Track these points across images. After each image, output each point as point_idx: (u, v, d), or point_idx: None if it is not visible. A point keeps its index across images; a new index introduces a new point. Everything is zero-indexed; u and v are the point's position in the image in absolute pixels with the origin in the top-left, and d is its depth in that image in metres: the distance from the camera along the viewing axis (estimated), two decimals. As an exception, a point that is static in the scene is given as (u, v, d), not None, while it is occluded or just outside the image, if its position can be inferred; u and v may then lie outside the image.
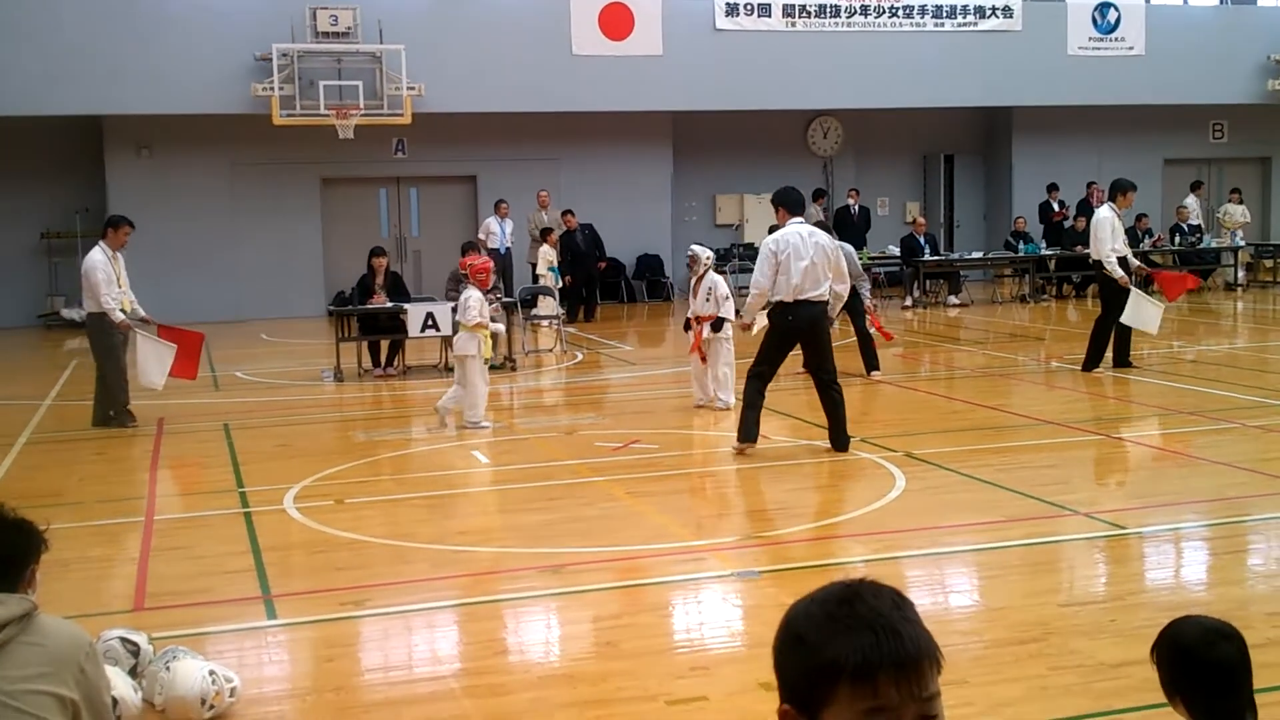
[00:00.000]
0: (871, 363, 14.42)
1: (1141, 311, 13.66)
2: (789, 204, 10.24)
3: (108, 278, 12.18)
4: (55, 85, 21.10)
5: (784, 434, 11.18)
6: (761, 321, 10.50)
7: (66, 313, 23.07)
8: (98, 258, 12.27)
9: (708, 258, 12.65)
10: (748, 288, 10.76)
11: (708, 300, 12.35)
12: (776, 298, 9.91)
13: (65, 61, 21.09)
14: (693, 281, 12.86)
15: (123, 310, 12.34)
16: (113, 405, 12.49)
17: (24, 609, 3.61)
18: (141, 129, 22.70)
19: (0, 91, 20.83)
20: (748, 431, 9.99)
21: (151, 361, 12.41)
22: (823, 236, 10.07)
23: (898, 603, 1.81)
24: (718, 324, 12.25)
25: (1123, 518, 8.00)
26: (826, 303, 10.11)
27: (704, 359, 12.39)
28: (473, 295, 11.90)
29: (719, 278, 12.65)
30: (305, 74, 21.98)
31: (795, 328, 9.97)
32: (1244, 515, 8.07)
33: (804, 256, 9.79)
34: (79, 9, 21.57)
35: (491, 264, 12.70)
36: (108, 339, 12.35)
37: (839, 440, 10.09)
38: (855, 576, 1.86)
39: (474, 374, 11.83)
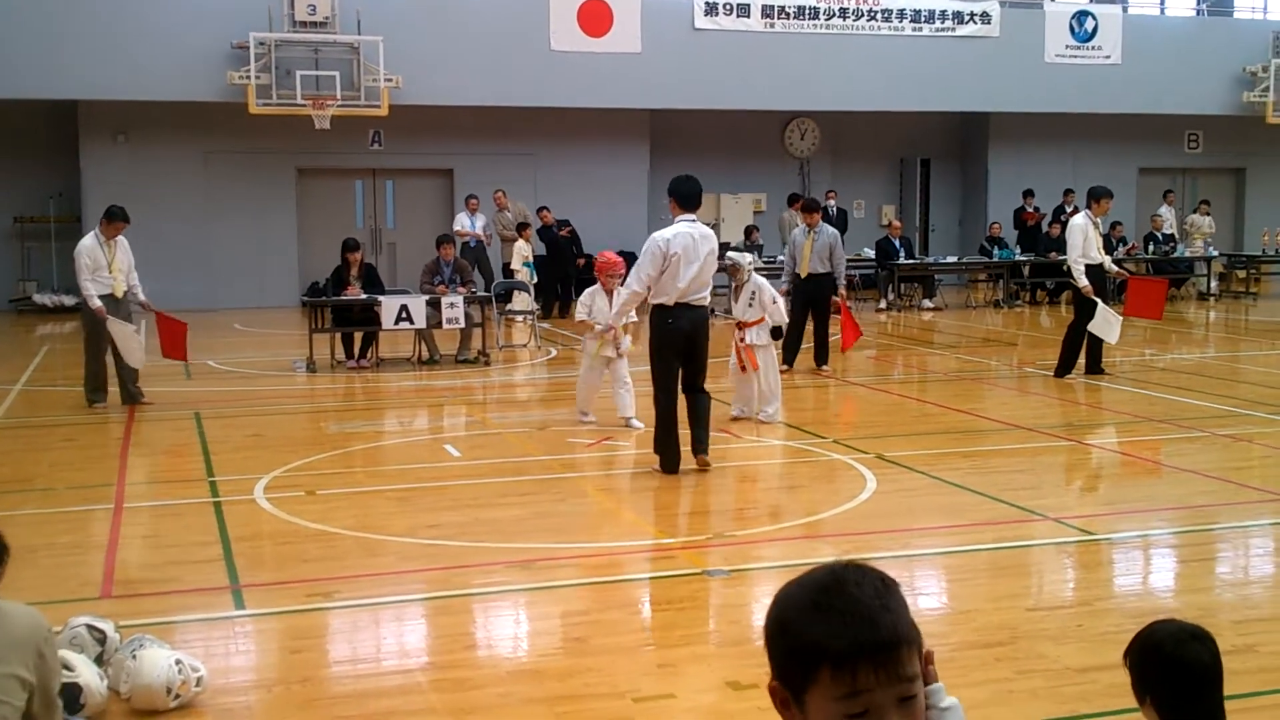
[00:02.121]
0: (823, 358, 14.56)
1: (1105, 321, 13.74)
2: (682, 197, 9.37)
3: (92, 262, 12.59)
4: (31, 69, 20.98)
5: (754, 434, 11.19)
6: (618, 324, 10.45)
7: (38, 297, 22.97)
8: (86, 243, 12.79)
9: (750, 263, 12.02)
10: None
11: (750, 305, 11.59)
12: (657, 300, 9.23)
13: (42, 45, 20.98)
14: (733, 288, 12.32)
15: (115, 295, 12.68)
16: (88, 382, 12.81)
17: None
18: (118, 115, 22.59)
19: (-26, 74, 20.69)
20: (671, 459, 9.24)
21: (131, 340, 12.58)
22: (713, 237, 9.39)
23: (879, 589, 1.87)
24: (777, 331, 11.77)
25: (1092, 523, 8.04)
26: (709, 308, 9.45)
27: (744, 368, 11.49)
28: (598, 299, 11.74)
29: (763, 281, 11.85)
30: (282, 63, 21.91)
31: (676, 330, 9.21)
32: (1212, 523, 8.12)
33: (695, 259, 9.11)
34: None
35: (622, 261, 12.07)
36: (89, 320, 12.81)
37: (700, 445, 9.36)
38: (843, 560, 1.91)
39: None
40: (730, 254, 12.36)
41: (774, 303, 11.63)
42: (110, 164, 22.46)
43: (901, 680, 1.84)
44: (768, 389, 11.55)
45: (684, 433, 9.36)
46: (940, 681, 2.01)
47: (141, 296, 13.06)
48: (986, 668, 5.53)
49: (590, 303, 11.77)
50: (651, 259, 9.13)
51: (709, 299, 9.40)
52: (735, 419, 11.49)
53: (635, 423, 11.12)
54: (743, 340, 11.49)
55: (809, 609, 1.86)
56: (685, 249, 9.09)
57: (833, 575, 1.89)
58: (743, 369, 11.50)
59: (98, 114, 22.62)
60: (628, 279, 9.62)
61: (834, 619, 1.83)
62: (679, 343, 9.25)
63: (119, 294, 12.74)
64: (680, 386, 9.40)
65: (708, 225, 9.66)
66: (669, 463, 9.23)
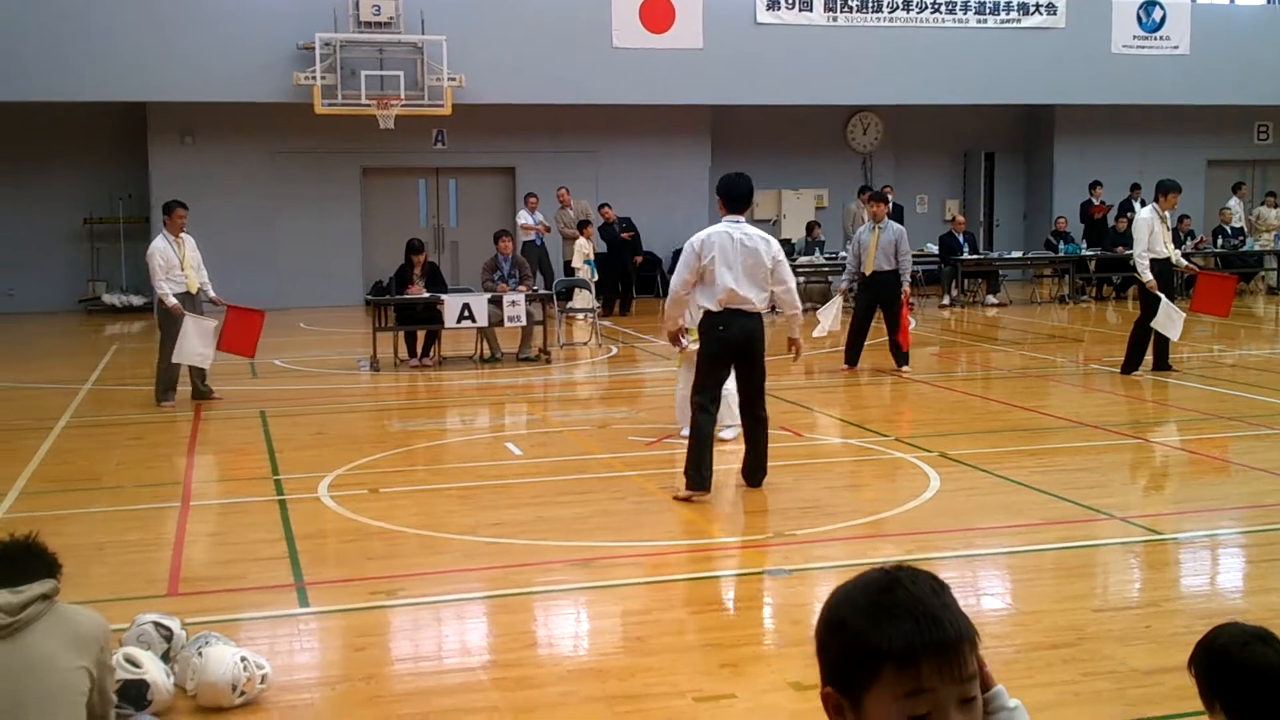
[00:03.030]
0: (902, 358, 14.38)
1: (1168, 317, 13.54)
2: (728, 196, 8.83)
3: (165, 263, 12.91)
4: (101, 71, 21.28)
5: (817, 432, 11.14)
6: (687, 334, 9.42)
7: (107, 298, 23.29)
8: (156, 244, 13.10)
9: None
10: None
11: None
12: (703, 304, 8.66)
13: (111, 48, 21.27)
14: None
15: (190, 292, 12.97)
16: (160, 381, 13.04)
17: (48, 588, 3.95)
18: (185, 116, 22.85)
19: (46, 76, 21.02)
20: (698, 476, 8.55)
21: (193, 339, 12.71)
22: (758, 238, 8.68)
23: (935, 589, 1.88)
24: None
25: (1159, 523, 7.94)
26: (761, 315, 8.77)
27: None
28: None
29: None
30: (347, 63, 22.08)
31: (727, 339, 8.60)
32: (1282, 522, 7.99)
33: (732, 261, 8.52)
34: (124, -4, 21.73)
35: None
36: (166, 321, 13.03)
37: (754, 475, 8.87)
38: (893, 563, 1.90)
39: None
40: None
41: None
42: (178, 165, 22.73)
43: (964, 680, 1.83)
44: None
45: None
46: (999, 684, 1.99)
47: (212, 293, 13.32)
48: (1053, 669, 5.47)
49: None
50: (684, 261, 8.72)
51: (764, 305, 8.75)
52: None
53: (725, 433, 10.28)
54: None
55: (868, 609, 1.85)
56: (722, 250, 8.52)
57: (887, 575, 1.89)
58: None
59: (165, 115, 22.90)
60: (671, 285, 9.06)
61: (896, 617, 1.82)
62: (728, 351, 8.68)
63: (193, 291, 13.04)
64: (738, 407, 9.11)
65: (763, 225, 9.25)
66: (699, 479, 8.54)
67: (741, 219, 8.77)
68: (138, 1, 21.75)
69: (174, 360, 12.80)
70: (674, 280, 8.87)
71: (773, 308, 9.14)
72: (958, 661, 1.82)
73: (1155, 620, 6.11)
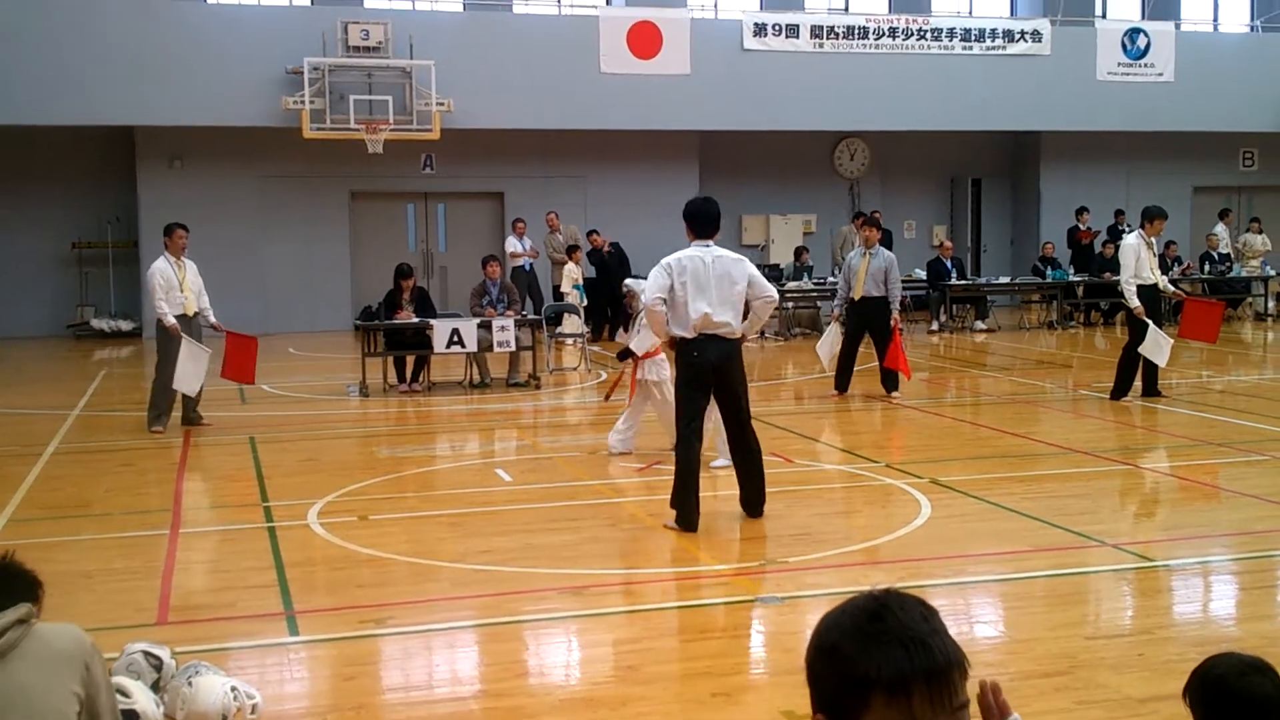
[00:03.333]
0: (891, 384, 14.40)
1: (1155, 343, 13.58)
2: (696, 221, 8.59)
3: (165, 283, 12.95)
4: (89, 95, 21.27)
5: (808, 458, 11.14)
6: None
7: (96, 322, 23.23)
8: (157, 265, 13.13)
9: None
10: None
11: (639, 333, 11.12)
12: (677, 332, 8.48)
13: (99, 72, 21.27)
14: (633, 319, 11.65)
15: (188, 315, 12.99)
16: (153, 407, 12.97)
17: (23, 612, 3.88)
18: (173, 140, 22.85)
19: (35, 100, 21.01)
20: (685, 516, 8.42)
21: (183, 367, 12.64)
22: (730, 260, 8.52)
23: (925, 615, 1.88)
24: (625, 352, 11.30)
25: (1150, 549, 7.94)
26: (738, 340, 8.58)
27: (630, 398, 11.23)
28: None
29: None
30: (336, 88, 22.10)
31: (702, 365, 8.40)
32: (1274, 549, 8.00)
33: (705, 285, 8.34)
34: (114, 20, 21.74)
35: None
36: (164, 345, 13.00)
37: (753, 505, 8.70)
38: (881, 588, 1.89)
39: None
40: (627, 281, 12.21)
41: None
42: (166, 189, 22.71)
43: (954, 709, 1.84)
44: (666, 425, 10.87)
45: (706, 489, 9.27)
46: (1015, 713, 1.99)
47: (212, 319, 13.33)
48: (1046, 698, 5.46)
49: None
50: (657, 278, 8.45)
51: (739, 330, 8.55)
52: (618, 453, 11.14)
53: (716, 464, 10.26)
54: (637, 372, 11.14)
55: (857, 635, 1.85)
56: (695, 275, 8.35)
57: (877, 601, 1.90)
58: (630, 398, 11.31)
59: (154, 140, 22.90)
60: (644, 299, 8.82)
61: (886, 644, 1.82)
62: (706, 376, 8.47)
63: (190, 313, 13.04)
64: (728, 442, 8.91)
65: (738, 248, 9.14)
66: (686, 519, 8.40)
67: (711, 243, 8.58)
68: (126, 25, 21.76)
69: (173, 387, 12.77)
70: (647, 296, 8.57)
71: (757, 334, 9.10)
72: (948, 690, 1.82)
73: (1148, 648, 6.11)
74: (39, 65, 20.97)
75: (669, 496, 8.60)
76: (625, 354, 11.38)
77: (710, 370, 8.45)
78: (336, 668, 6.15)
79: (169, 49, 21.68)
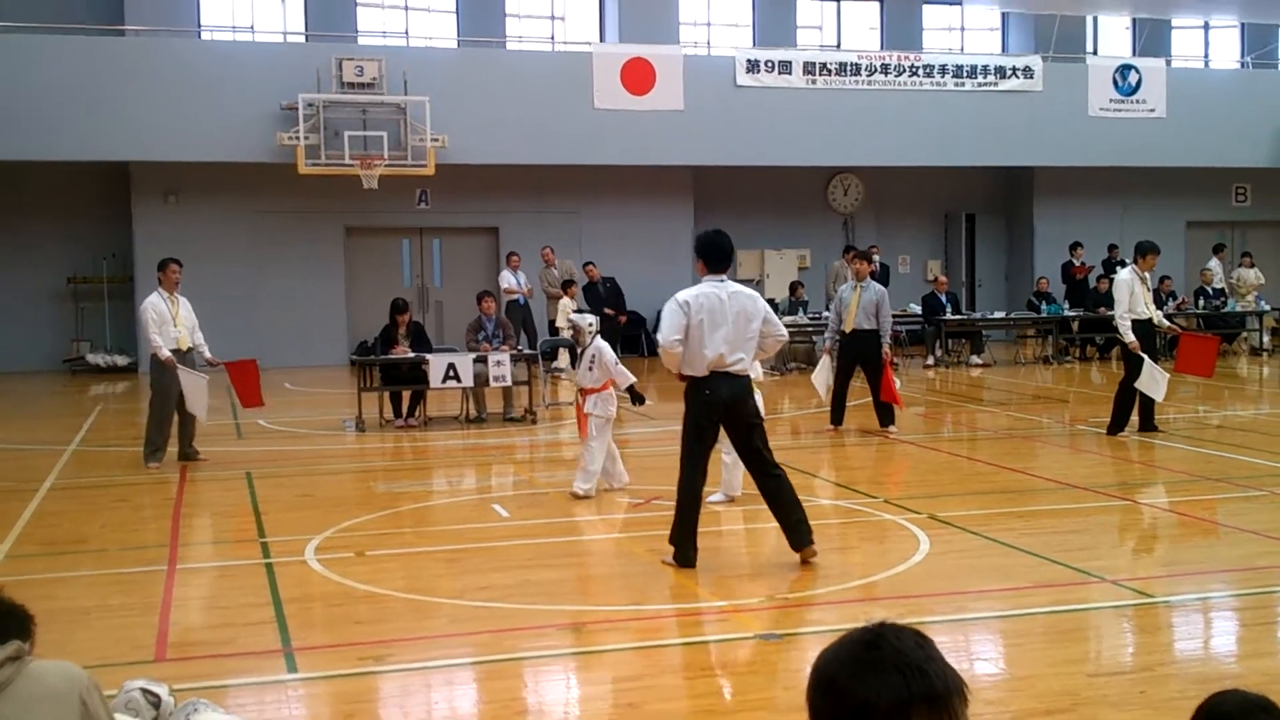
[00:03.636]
0: (886, 418, 14.40)
1: (1151, 378, 13.61)
2: (709, 255, 8.39)
3: (158, 317, 12.94)
4: (84, 131, 21.31)
5: (805, 493, 11.11)
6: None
7: (91, 358, 23.21)
8: (150, 299, 13.14)
9: (590, 326, 11.47)
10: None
11: (590, 370, 11.19)
12: (687, 371, 8.26)
13: (95, 107, 21.31)
14: (580, 353, 11.57)
15: (181, 350, 12.97)
16: (149, 442, 12.95)
17: (14, 650, 3.82)
18: (168, 176, 22.89)
19: (30, 136, 21.04)
20: (684, 552, 8.31)
21: (192, 393, 12.76)
22: (744, 296, 8.35)
23: (920, 643, 1.89)
24: (635, 394, 11.26)
25: (1150, 586, 7.93)
26: (748, 377, 8.43)
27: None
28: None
29: (604, 344, 11.37)
30: (331, 124, 22.16)
31: (713, 404, 8.24)
32: (1274, 585, 7.98)
33: (720, 322, 8.15)
34: (109, 57, 21.84)
35: None
36: (158, 379, 13.01)
37: (797, 533, 8.36)
38: (876, 620, 1.90)
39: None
40: (572, 315, 12.14)
41: (615, 365, 11.18)
42: (161, 224, 22.73)
43: None
44: (609, 460, 11.09)
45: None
46: None
47: (208, 354, 13.34)
48: (1048, 736, 5.44)
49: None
50: (671, 316, 8.22)
51: (749, 369, 8.43)
52: (576, 497, 10.86)
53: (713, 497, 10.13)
54: (582, 407, 11.17)
55: (854, 665, 1.86)
56: (711, 313, 8.14)
57: (872, 632, 1.91)
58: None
59: (149, 175, 22.93)
60: (660, 338, 8.45)
61: (883, 671, 1.83)
62: (717, 413, 8.30)
63: (184, 348, 13.03)
64: (750, 473, 8.57)
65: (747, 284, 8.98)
66: (684, 556, 8.30)
67: (724, 278, 8.40)
68: (121, 61, 21.84)
69: (189, 410, 12.79)
70: (663, 336, 8.24)
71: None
72: (947, 715, 1.82)
73: (1150, 685, 6.09)
74: (34, 101, 21.01)
75: (668, 532, 8.53)
76: (637, 397, 11.39)
77: (722, 408, 8.29)
78: (335, 705, 6.13)
79: (164, 85, 21.74)
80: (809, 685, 1.91)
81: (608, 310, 22.66)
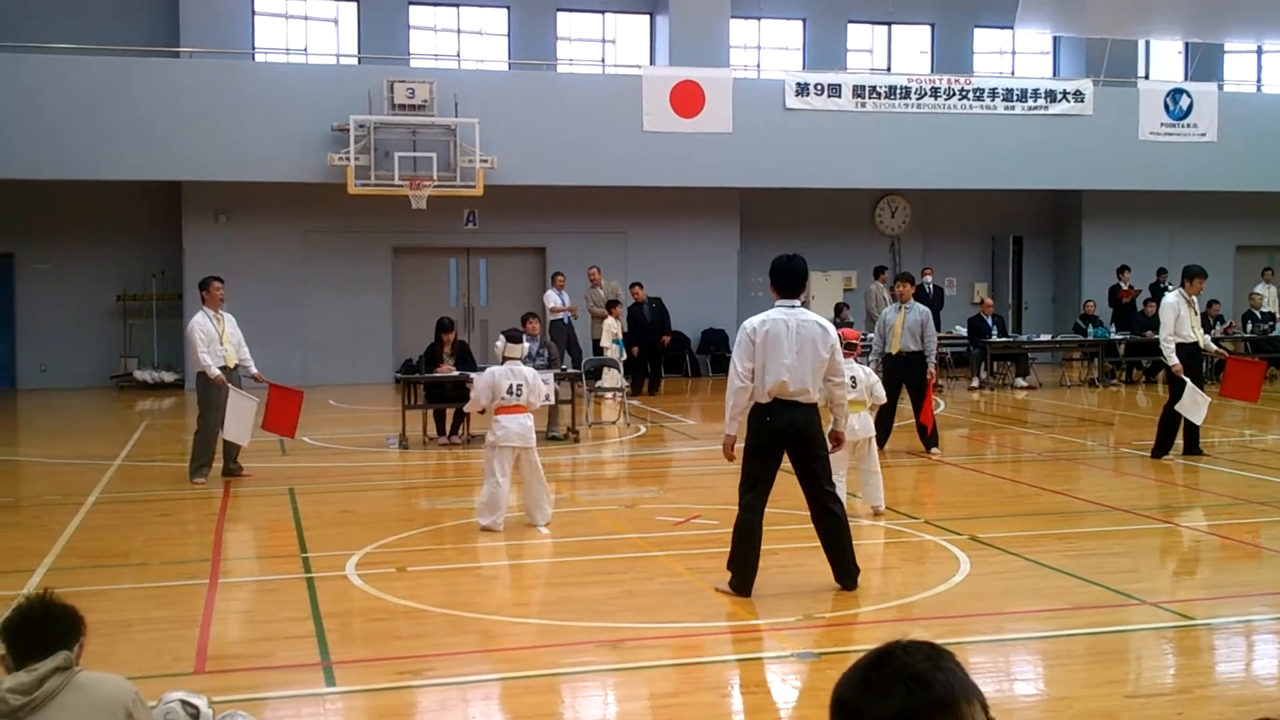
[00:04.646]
0: (930, 441, 14.34)
1: (1193, 401, 13.50)
2: (781, 279, 8.24)
3: (206, 337, 13.01)
4: (137, 150, 21.59)
5: (846, 513, 11.07)
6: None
7: (139, 374, 23.46)
8: (197, 319, 13.21)
9: (498, 347, 11.16)
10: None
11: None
12: (754, 399, 8.12)
13: (147, 128, 21.59)
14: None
15: (229, 367, 13.05)
16: (195, 458, 13.06)
17: (63, 660, 3.87)
18: (219, 195, 23.14)
19: (83, 156, 21.35)
20: (741, 580, 8.15)
21: (232, 417, 12.78)
22: (815, 325, 8.14)
23: (930, 655, 1.90)
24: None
25: (1191, 608, 7.87)
26: (815, 406, 8.20)
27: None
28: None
29: (493, 369, 10.97)
30: (381, 145, 22.34)
31: (775, 430, 8.06)
32: (1317, 610, 7.91)
33: (787, 351, 7.98)
34: (164, 78, 22.13)
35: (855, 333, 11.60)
36: (205, 396, 13.09)
37: (846, 576, 8.28)
38: (894, 639, 1.92)
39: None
40: (496, 345, 11.66)
41: (545, 384, 11.00)
42: (211, 242, 22.98)
43: None
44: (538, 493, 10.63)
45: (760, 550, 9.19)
46: None
47: (254, 370, 13.44)
48: (1083, 757, 5.41)
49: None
50: (741, 349, 8.07)
51: (818, 397, 8.18)
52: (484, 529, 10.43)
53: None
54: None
55: (861, 683, 1.89)
56: (775, 339, 7.97)
57: (881, 650, 1.94)
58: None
59: (200, 194, 23.20)
60: (729, 376, 8.29)
61: (888, 687, 1.85)
62: (778, 442, 8.12)
63: (231, 365, 13.13)
64: (810, 509, 8.34)
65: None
66: (741, 582, 8.14)
67: (797, 303, 8.22)
68: (174, 82, 22.13)
69: (224, 437, 12.88)
70: (733, 371, 8.12)
71: None
72: (955, 719, 1.83)
73: (1188, 707, 6.04)
74: (87, 121, 21.32)
75: (726, 557, 8.31)
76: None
77: (783, 437, 8.10)
78: (373, 718, 6.17)
79: (217, 106, 22.00)
80: (829, 709, 1.95)
81: (664, 336, 22.74)
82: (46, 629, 4.06)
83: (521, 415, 10.52)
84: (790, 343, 8.01)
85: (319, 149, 22.26)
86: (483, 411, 11.10)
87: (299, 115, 22.27)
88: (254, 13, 24.81)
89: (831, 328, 8.33)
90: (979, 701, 1.87)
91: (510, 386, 10.53)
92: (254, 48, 24.76)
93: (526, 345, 11.26)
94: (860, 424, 10.79)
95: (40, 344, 23.54)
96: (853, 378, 10.90)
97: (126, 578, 9.02)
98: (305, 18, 25.42)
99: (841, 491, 10.29)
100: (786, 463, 8.26)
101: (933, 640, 1.92)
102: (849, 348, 11.18)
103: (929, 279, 24.26)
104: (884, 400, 11.69)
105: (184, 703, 5.66)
